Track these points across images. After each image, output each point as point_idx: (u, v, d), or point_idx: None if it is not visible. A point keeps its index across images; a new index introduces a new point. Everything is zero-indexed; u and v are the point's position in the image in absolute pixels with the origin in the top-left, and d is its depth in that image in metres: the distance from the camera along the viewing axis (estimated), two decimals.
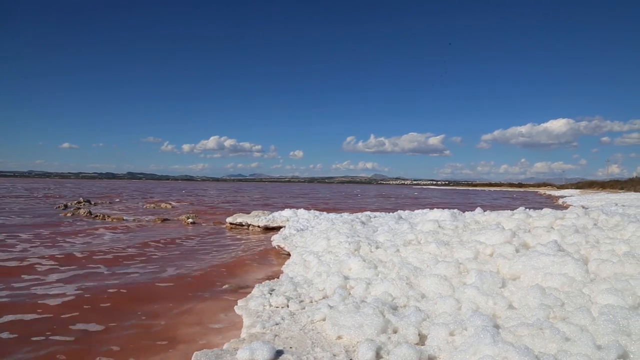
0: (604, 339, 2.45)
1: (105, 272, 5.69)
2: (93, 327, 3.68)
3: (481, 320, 2.80)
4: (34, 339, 3.38)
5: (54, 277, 5.36)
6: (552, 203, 29.40)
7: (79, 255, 6.81)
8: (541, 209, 6.56)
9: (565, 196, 41.37)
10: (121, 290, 4.86)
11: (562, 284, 3.41)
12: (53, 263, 6.17)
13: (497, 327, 2.78)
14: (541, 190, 77.15)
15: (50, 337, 3.42)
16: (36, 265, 5.97)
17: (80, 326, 3.68)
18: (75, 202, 18.68)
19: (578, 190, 59.08)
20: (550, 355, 2.31)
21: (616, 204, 18.53)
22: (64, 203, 17.27)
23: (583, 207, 14.40)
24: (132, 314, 4.04)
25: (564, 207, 19.69)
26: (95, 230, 9.96)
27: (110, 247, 7.64)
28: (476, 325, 2.74)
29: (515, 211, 6.26)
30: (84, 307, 4.21)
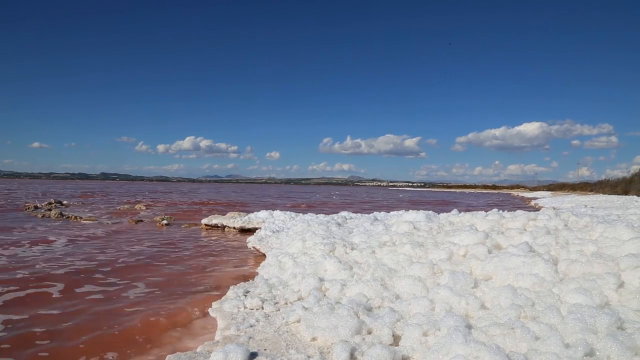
0: (572, 338, 2.51)
1: (77, 273, 5.54)
2: (63, 330, 3.58)
3: (454, 320, 2.83)
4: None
5: (19, 275, 5.21)
6: (525, 205, 30.00)
7: (48, 257, 6.63)
8: (514, 210, 6.67)
9: (537, 198, 42.30)
10: (93, 292, 4.75)
11: (532, 284, 3.48)
12: (22, 265, 5.98)
13: (469, 327, 2.81)
14: (514, 192, 78.65)
15: (17, 348, 3.31)
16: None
17: (49, 328, 3.57)
18: (46, 203, 18.16)
19: (550, 192, 60.40)
20: (520, 354, 2.35)
21: (586, 206, 19.05)
22: (34, 204, 16.78)
23: (554, 208, 14.74)
24: (103, 316, 3.95)
25: (536, 209, 20.13)
26: (66, 232, 9.71)
27: (82, 250, 7.46)
28: (449, 326, 2.76)
29: (489, 213, 6.36)
30: (57, 308, 4.09)
